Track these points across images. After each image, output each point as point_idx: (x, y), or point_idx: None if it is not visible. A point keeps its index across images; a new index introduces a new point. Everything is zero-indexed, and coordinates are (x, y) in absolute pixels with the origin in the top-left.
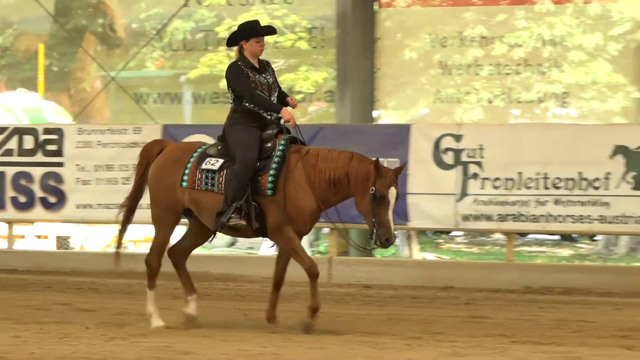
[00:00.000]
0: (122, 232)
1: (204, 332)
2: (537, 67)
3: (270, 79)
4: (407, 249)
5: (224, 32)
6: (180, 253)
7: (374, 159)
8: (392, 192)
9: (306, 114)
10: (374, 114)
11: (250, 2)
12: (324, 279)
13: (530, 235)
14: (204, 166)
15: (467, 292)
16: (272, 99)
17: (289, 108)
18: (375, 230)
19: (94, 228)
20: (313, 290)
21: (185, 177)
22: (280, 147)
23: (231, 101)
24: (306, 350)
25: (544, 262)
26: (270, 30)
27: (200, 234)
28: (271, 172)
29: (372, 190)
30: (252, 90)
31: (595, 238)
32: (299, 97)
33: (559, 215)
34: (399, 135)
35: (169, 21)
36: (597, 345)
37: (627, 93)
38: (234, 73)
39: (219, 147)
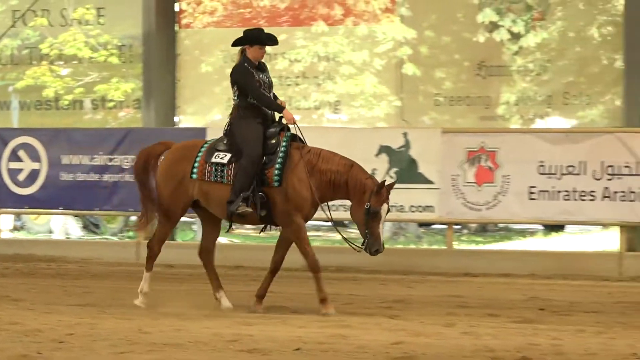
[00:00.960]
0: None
1: (29, 305)
2: (314, 79)
3: (269, 79)
4: None
5: (46, 48)
6: (207, 253)
7: (382, 180)
8: (384, 208)
9: (117, 118)
10: (175, 119)
11: (69, 24)
12: (133, 260)
13: (309, 222)
14: (213, 160)
15: (255, 271)
16: (270, 96)
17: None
18: (366, 240)
19: None
20: (318, 283)
21: (195, 170)
22: (284, 144)
23: (235, 97)
24: (118, 321)
25: (320, 245)
26: (274, 40)
27: (214, 229)
28: (277, 166)
29: (367, 206)
30: (259, 90)
31: None
32: (111, 104)
33: (333, 205)
34: (197, 136)
35: None
36: (365, 315)
37: (390, 102)
38: (242, 73)
39: (225, 142)
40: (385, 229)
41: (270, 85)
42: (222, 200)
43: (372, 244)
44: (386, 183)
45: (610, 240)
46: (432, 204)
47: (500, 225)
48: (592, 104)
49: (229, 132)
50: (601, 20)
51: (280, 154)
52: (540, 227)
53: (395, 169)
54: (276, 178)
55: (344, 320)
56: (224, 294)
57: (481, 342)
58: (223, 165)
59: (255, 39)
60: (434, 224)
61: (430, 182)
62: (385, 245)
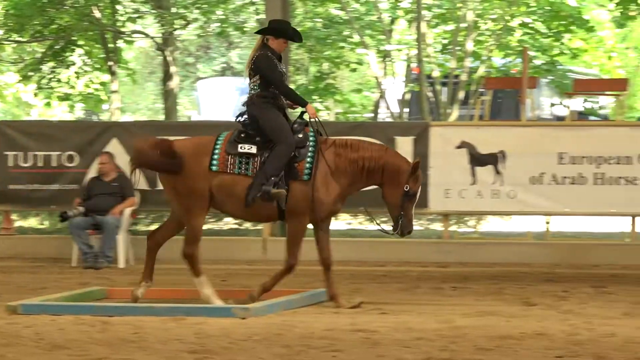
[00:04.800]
0: None
1: None
2: None
3: (286, 70)
4: None
5: None
6: (160, 240)
7: (415, 160)
8: (419, 189)
9: None
10: None
11: None
12: None
13: None
14: (240, 150)
15: None
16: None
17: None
18: (400, 221)
19: None
20: (276, 277)
21: (214, 162)
22: (312, 138)
23: (256, 87)
24: None
25: None
26: (300, 37)
27: (177, 224)
28: (308, 159)
29: (406, 188)
30: (283, 82)
31: None
32: None
33: None
34: None
35: None
36: None
37: None
38: (268, 63)
39: (244, 135)
40: None
41: (287, 76)
42: (244, 193)
43: (407, 226)
44: (417, 163)
45: None
46: None
47: None
48: None
49: (253, 123)
50: None
51: (311, 148)
52: None
53: None
54: (307, 172)
55: None
56: (147, 287)
57: None
58: (249, 156)
59: (283, 32)
60: None
61: None
62: None
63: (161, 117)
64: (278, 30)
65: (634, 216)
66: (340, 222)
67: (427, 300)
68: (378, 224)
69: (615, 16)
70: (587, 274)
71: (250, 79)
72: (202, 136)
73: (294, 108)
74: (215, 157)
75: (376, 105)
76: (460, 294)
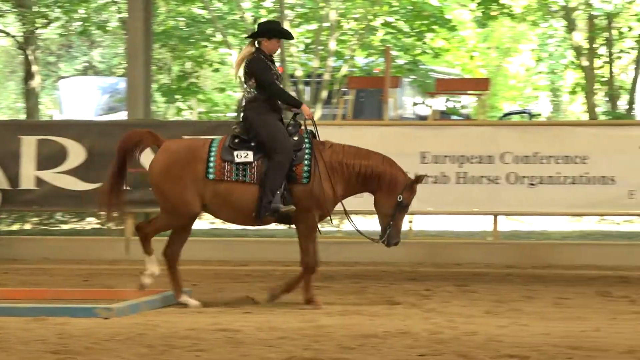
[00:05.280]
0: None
1: None
2: None
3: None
4: None
5: None
6: (176, 254)
7: (415, 175)
8: (412, 202)
9: None
10: None
11: None
12: None
13: None
14: (237, 159)
15: None
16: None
17: None
18: (388, 232)
19: None
20: (306, 284)
21: (210, 170)
22: (307, 141)
23: (252, 90)
24: None
25: None
26: (291, 34)
27: (185, 231)
28: (305, 162)
29: (399, 198)
30: (276, 84)
31: None
32: None
33: None
34: None
35: None
36: None
37: None
38: (260, 66)
39: (237, 140)
40: None
41: (280, 77)
42: (244, 200)
43: (394, 236)
44: (419, 177)
45: None
46: None
47: None
48: None
49: (249, 129)
50: None
51: (307, 151)
52: None
53: None
54: (305, 175)
55: None
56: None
57: None
58: (246, 164)
59: (275, 32)
60: None
61: None
62: None
63: (22, 116)
64: (271, 31)
65: (495, 215)
66: (204, 222)
67: (291, 299)
68: (361, 232)
69: (477, 16)
70: (450, 273)
71: (246, 83)
72: (193, 139)
73: (290, 110)
74: (211, 164)
75: (239, 105)
76: (324, 293)
